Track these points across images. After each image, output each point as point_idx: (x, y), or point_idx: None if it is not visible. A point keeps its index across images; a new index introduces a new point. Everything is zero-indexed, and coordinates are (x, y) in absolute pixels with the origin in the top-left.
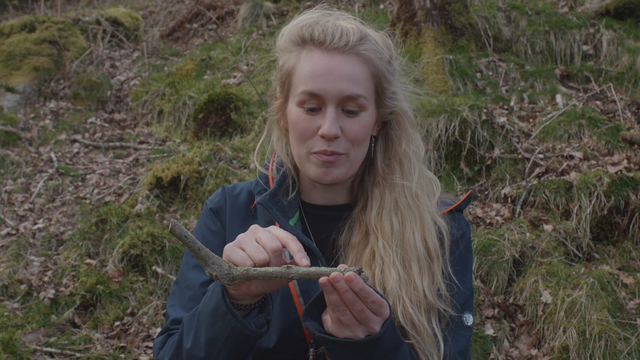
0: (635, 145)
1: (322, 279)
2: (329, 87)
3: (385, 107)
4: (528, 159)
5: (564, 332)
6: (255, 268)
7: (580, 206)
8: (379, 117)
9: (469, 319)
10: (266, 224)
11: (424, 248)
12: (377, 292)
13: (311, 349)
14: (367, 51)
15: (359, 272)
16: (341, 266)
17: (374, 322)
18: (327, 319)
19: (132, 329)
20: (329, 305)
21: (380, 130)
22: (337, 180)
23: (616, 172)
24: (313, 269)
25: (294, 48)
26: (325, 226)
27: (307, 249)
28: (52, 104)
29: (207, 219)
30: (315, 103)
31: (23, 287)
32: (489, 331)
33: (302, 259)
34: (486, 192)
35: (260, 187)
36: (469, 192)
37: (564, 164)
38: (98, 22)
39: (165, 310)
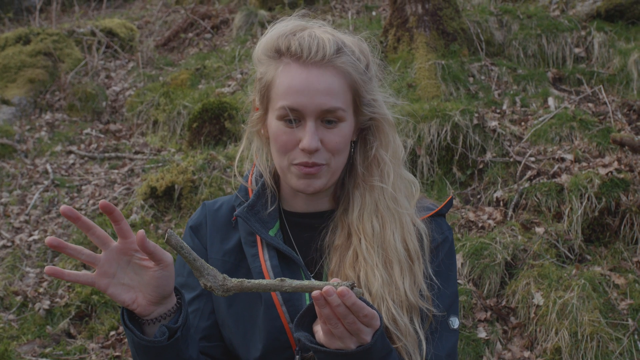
0: (626, 147)
1: (315, 293)
2: (308, 102)
3: (364, 114)
4: (520, 162)
5: (556, 333)
6: (249, 280)
7: (571, 208)
8: (358, 124)
9: (454, 322)
10: (247, 235)
11: (404, 249)
12: (368, 303)
13: (297, 356)
14: (344, 63)
15: (352, 286)
16: (334, 280)
17: (365, 334)
18: (318, 329)
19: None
20: (320, 318)
21: (359, 135)
22: (320, 190)
23: (607, 174)
24: (306, 282)
25: (271, 61)
26: (307, 233)
27: (289, 259)
28: (47, 116)
29: (186, 237)
30: (294, 117)
31: (18, 298)
32: (482, 334)
33: None
34: (478, 196)
35: (240, 200)
36: (449, 197)
37: (556, 167)
38: (93, 34)
39: None
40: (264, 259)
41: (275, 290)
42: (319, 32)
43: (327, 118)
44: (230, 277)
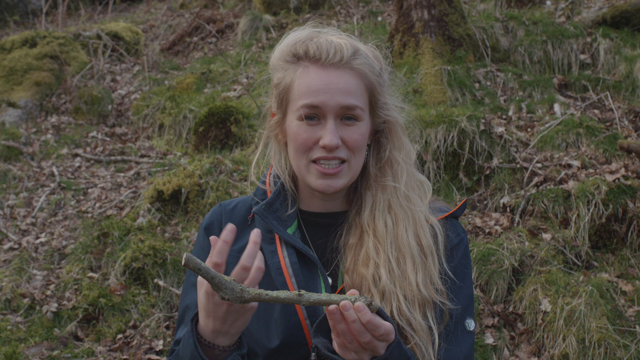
0: (633, 154)
1: (332, 307)
2: (328, 100)
3: (378, 117)
4: (526, 169)
5: (564, 340)
6: (267, 292)
7: (578, 215)
8: (373, 126)
9: (470, 325)
10: (265, 232)
11: (417, 245)
12: (384, 315)
13: (313, 354)
14: (361, 65)
15: (370, 304)
16: (351, 293)
17: (380, 348)
18: (335, 337)
19: (135, 341)
20: (334, 332)
21: (372, 138)
22: (340, 190)
23: (614, 181)
24: (324, 296)
25: (289, 65)
26: (323, 233)
27: (307, 258)
28: (53, 119)
29: (199, 237)
30: (315, 116)
31: (26, 300)
32: (489, 340)
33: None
34: (485, 202)
35: (257, 200)
36: (463, 200)
37: (562, 173)
38: (99, 37)
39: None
40: (283, 256)
41: (293, 303)
42: (335, 37)
43: (346, 115)
44: None
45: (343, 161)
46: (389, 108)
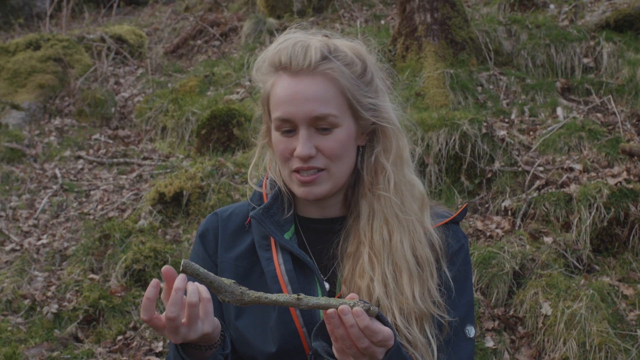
0: (635, 157)
1: (330, 311)
2: (297, 111)
3: (364, 119)
4: (528, 172)
5: (564, 343)
6: (266, 295)
7: (580, 218)
8: (361, 128)
9: (471, 331)
10: (261, 239)
11: (413, 257)
12: (384, 320)
13: None
14: (332, 69)
15: (368, 309)
16: (350, 297)
17: (378, 353)
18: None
19: (135, 343)
20: (332, 337)
21: (367, 139)
22: (322, 196)
23: (616, 184)
24: (323, 300)
25: (268, 77)
26: (321, 239)
27: (303, 263)
28: (56, 121)
29: (195, 244)
30: (288, 126)
31: (27, 302)
32: (489, 343)
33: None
34: (486, 205)
35: (254, 205)
36: (464, 205)
37: (564, 176)
38: (102, 40)
39: None
40: (278, 263)
41: (292, 306)
42: (313, 40)
43: (319, 125)
44: (243, 281)
45: (321, 169)
46: (378, 109)
